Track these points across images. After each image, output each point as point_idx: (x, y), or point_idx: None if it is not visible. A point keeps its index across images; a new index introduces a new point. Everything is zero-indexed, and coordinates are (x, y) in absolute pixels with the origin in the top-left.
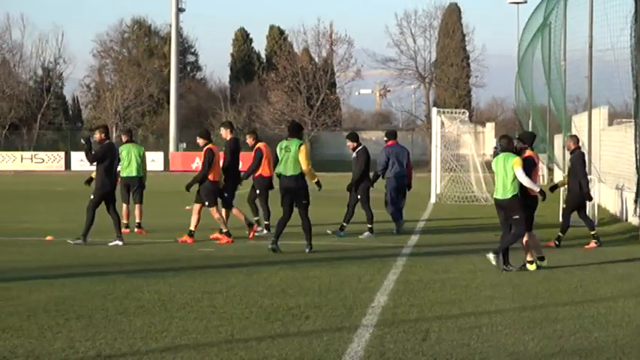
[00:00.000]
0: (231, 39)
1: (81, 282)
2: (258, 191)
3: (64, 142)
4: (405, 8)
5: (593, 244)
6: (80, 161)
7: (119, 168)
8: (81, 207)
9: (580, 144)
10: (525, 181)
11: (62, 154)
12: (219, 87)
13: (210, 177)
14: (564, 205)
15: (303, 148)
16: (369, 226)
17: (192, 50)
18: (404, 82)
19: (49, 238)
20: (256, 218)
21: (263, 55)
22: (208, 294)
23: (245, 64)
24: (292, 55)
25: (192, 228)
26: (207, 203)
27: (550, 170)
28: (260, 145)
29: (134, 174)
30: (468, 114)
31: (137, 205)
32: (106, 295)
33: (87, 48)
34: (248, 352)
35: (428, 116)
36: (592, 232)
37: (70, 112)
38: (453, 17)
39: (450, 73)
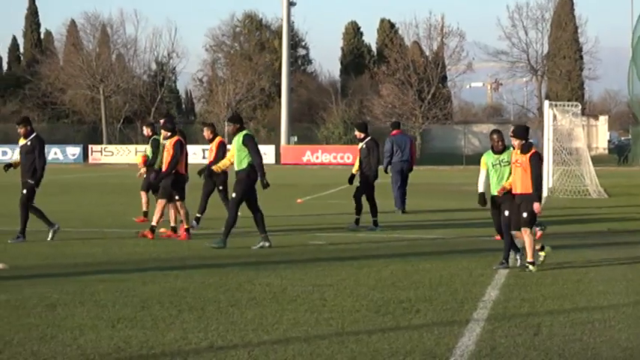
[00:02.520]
0: (341, 32)
1: (194, 274)
2: (221, 187)
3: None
4: (517, 0)
5: (538, 232)
6: (194, 154)
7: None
8: (196, 199)
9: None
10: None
11: None
12: (330, 80)
13: (180, 170)
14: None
15: None
16: (357, 217)
17: (303, 44)
18: (516, 75)
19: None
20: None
21: (374, 48)
22: (319, 287)
23: (355, 57)
24: (403, 48)
25: (173, 224)
26: (177, 197)
27: None
28: (222, 139)
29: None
30: (580, 107)
31: (145, 193)
32: (218, 287)
33: (199, 42)
34: (358, 345)
35: (540, 109)
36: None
37: (183, 106)
38: (565, 9)
39: (563, 66)
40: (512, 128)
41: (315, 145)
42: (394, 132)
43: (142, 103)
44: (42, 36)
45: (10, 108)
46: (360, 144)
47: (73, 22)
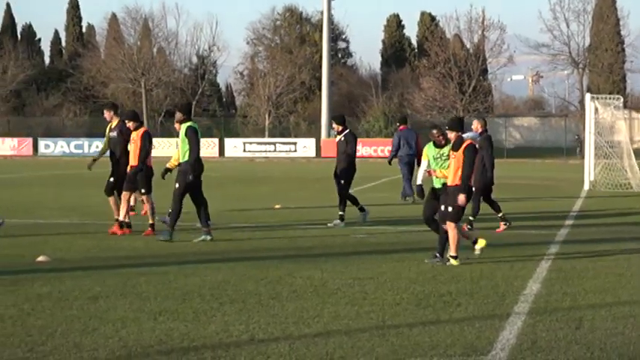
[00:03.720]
0: (382, 25)
1: (235, 267)
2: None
3: (217, 129)
4: None
5: (502, 226)
6: (234, 147)
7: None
8: (237, 193)
9: (487, 127)
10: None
11: (216, 140)
12: (370, 73)
13: (147, 162)
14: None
15: None
16: (340, 213)
17: (343, 37)
18: (557, 68)
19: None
20: None
21: (414, 41)
22: (360, 280)
23: (396, 50)
24: (444, 42)
25: (121, 218)
26: (143, 190)
27: None
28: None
29: None
30: (622, 100)
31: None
32: (259, 280)
33: (240, 36)
34: (399, 338)
35: (581, 102)
36: (499, 215)
37: (224, 100)
38: (607, 1)
39: (604, 58)
40: (448, 121)
41: None
42: (401, 127)
43: (182, 96)
44: (84, 30)
45: (53, 102)
46: (338, 137)
47: (114, 15)
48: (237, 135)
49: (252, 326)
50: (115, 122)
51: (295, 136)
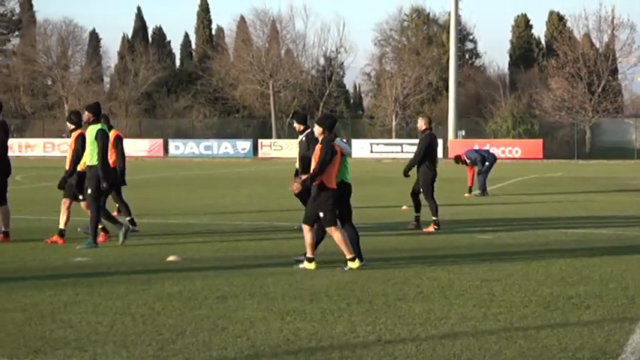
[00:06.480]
0: (510, 25)
1: (362, 267)
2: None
3: (345, 130)
4: None
5: (412, 225)
6: (361, 148)
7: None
8: (363, 193)
9: (432, 125)
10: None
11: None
12: (498, 74)
13: (84, 166)
14: (415, 189)
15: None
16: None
17: (471, 37)
18: None
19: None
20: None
21: (542, 41)
22: (487, 281)
23: (524, 50)
24: (573, 41)
25: (62, 227)
26: (80, 197)
27: None
28: (117, 132)
29: None
30: None
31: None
32: (385, 281)
33: (367, 37)
34: (527, 340)
35: None
36: (416, 215)
37: (351, 101)
38: None
39: None
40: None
41: (483, 140)
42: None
43: (310, 98)
44: (213, 32)
45: (183, 103)
46: (300, 137)
47: (242, 18)
48: (364, 136)
49: (379, 327)
50: None
51: None
